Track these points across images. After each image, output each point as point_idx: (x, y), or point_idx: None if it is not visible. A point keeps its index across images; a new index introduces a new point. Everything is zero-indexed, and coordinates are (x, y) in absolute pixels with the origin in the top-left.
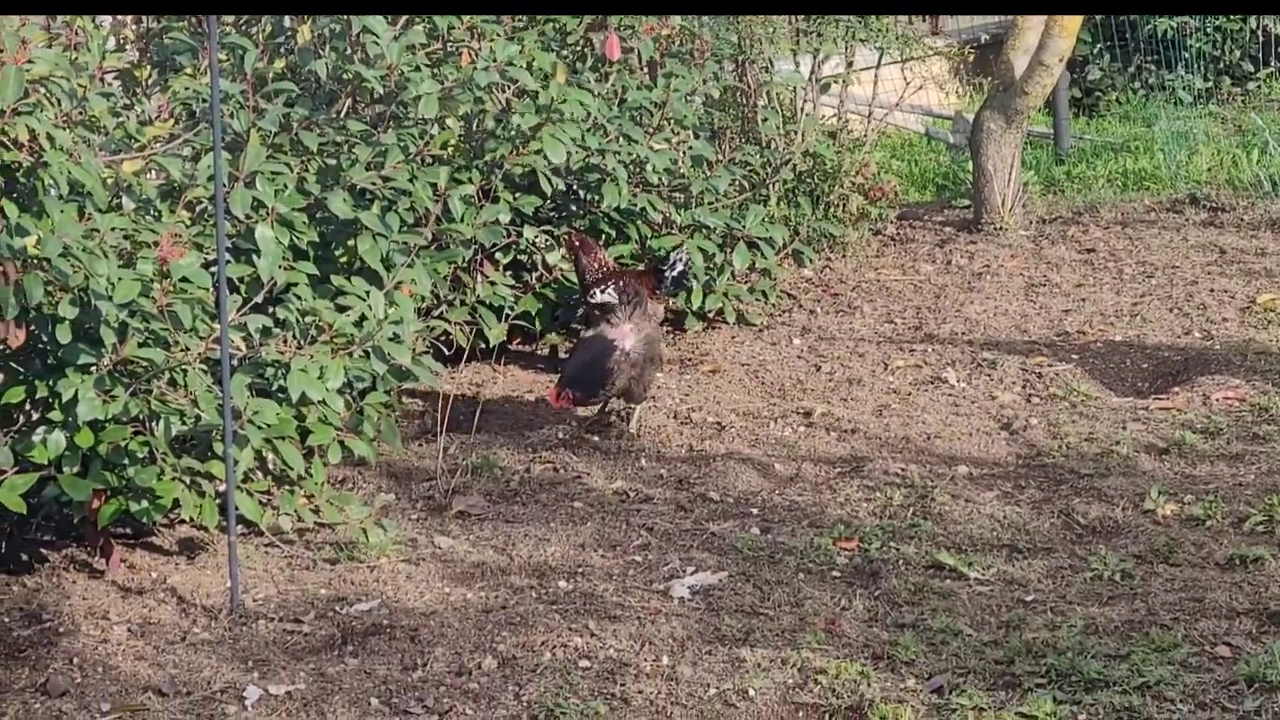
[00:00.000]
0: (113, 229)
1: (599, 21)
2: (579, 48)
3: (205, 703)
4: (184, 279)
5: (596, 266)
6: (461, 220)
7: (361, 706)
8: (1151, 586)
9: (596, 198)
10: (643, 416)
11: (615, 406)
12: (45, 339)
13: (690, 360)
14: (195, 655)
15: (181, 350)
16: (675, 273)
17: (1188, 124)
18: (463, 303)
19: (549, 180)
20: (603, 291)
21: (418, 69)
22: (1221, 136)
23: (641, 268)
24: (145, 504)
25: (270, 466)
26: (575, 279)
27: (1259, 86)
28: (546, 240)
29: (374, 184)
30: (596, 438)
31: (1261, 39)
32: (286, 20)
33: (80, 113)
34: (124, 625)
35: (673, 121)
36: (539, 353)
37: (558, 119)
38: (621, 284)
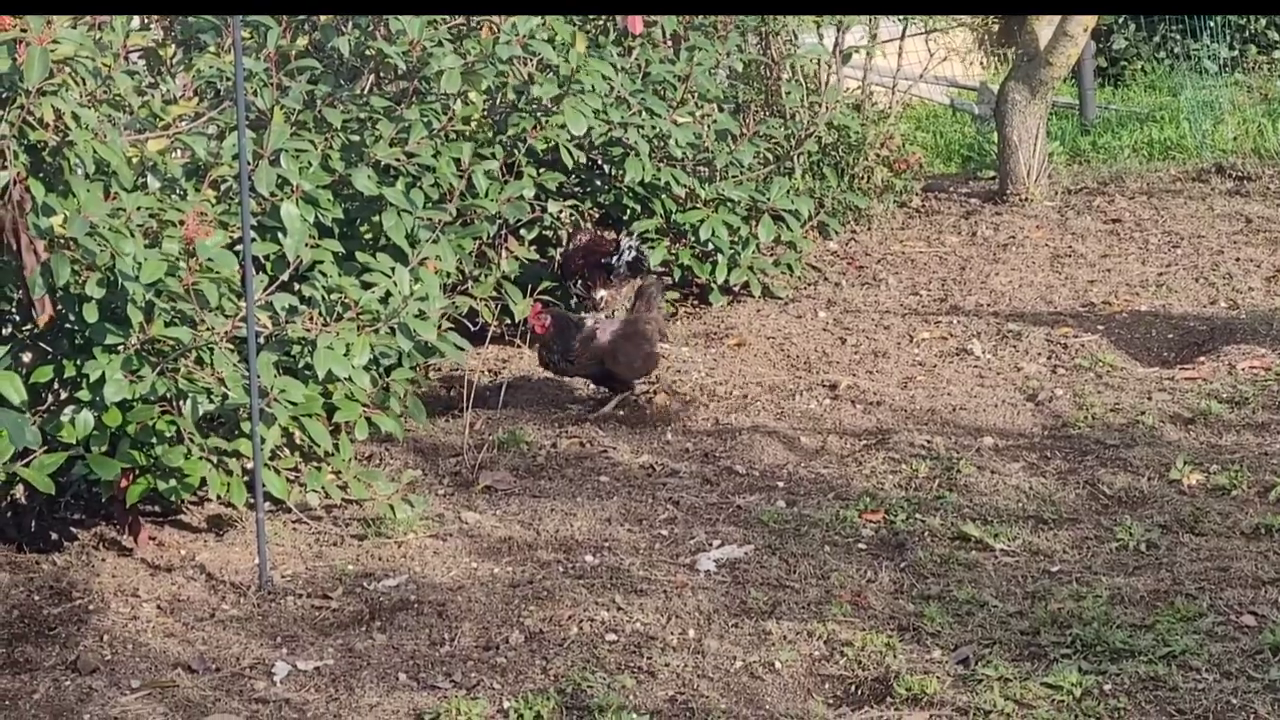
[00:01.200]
0: (139, 208)
1: None
2: (602, 21)
3: (234, 679)
4: (210, 258)
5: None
6: (485, 195)
7: (390, 681)
8: (1177, 556)
9: (619, 172)
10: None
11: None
12: (72, 319)
13: (715, 334)
14: (224, 632)
15: (208, 329)
16: (629, 259)
17: (1213, 93)
18: (489, 276)
19: (570, 154)
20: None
21: (440, 44)
22: (1247, 105)
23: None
24: (173, 483)
25: (298, 443)
26: None
27: None
28: (571, 215)
29: (398, 160)
30: (622, 411)
31: None
32: None
33: (105, 92)
34: (153, 602)
35: (696, 95)
36: None
37: (578, 90)
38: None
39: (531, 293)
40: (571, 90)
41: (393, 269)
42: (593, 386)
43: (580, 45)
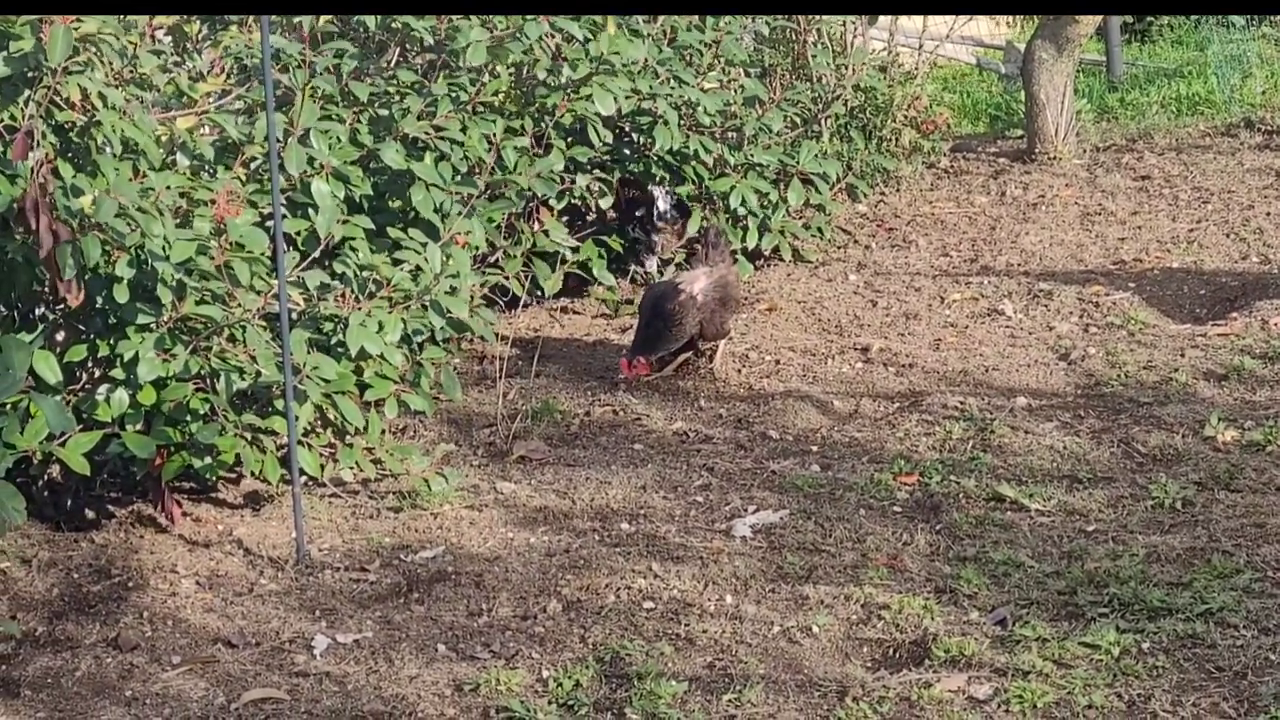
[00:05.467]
0: (168, 187)
1: None
2: None
3: (274, 653)
4: (241, 235)
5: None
6: (515, 169)
7: (429, 653)
8: (1213, 513)
9: (648, 140)
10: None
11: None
12: (103, 299)
13: (746, 299)
14: (263, 606)
15: (240, 307)
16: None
17: (1241, 47)
18: (517, 248)
19: (598, 133)
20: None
21: (466, 17)
22: (1275, 59)
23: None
24: (208, 460)
25: (331, 420)
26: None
27: None
28: (599, 187)
29: (426, 134)
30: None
31: None
32: None
33: (131, 71)
34: (192, 578)
35: (724, 61)
36: (597, 296)
37: (608, 70)
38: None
39: (561, 263)
40: (601, 69)
41: (424, 245)
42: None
43: (610, 26)
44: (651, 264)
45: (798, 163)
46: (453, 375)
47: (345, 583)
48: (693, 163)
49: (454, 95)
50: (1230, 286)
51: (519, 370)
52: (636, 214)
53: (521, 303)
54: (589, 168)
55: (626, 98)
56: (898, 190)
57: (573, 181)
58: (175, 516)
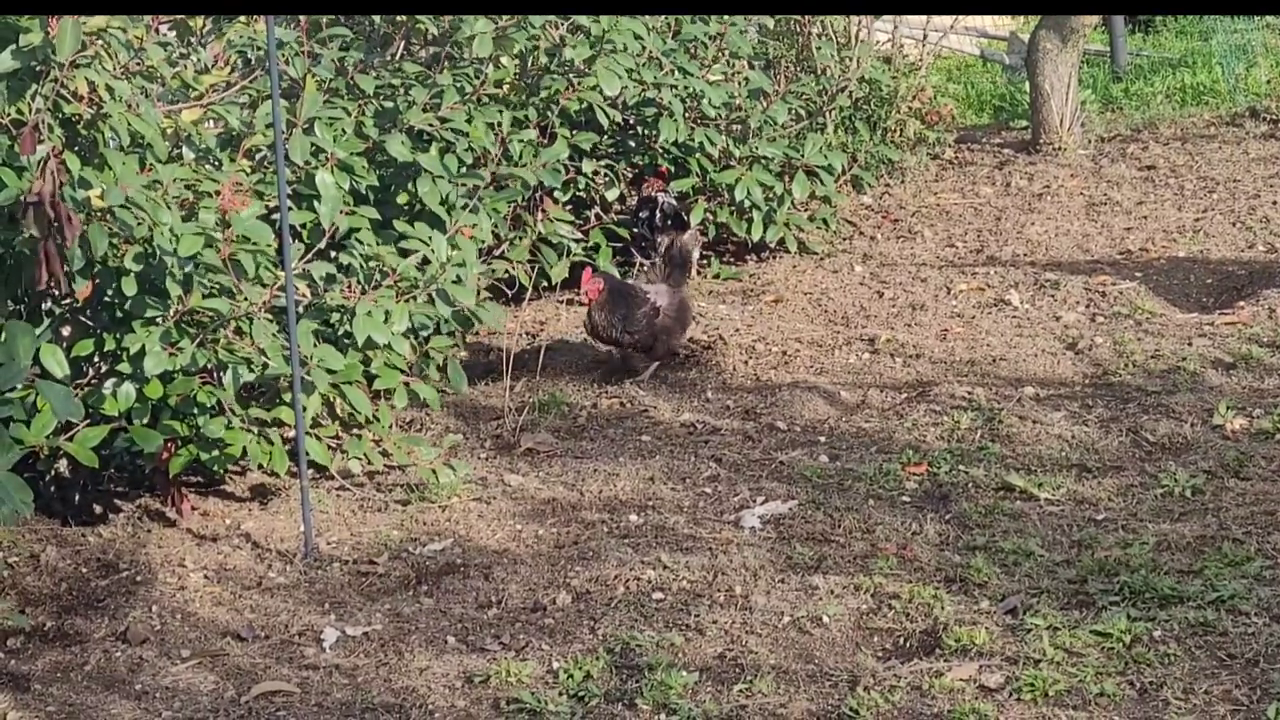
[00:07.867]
0: (174, 179)
1: None
2: None
3: (284, 645)
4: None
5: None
6: (520, 158)
7: (438, 645)
8: (1222, 501)
9: (653, 133)
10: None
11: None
12: (111, 292)
13: (753, 291)
14: (272, 599)
15: (245, 300)
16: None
17: (1245, 36)
18: (523, 239)
19: (605, 114)
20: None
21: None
22: None
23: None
24: (215, 453)
25: (338, 413)
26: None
27: None
28: (605, 177)
29: (431, 125)
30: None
31: None
32: None
33: (138, 63)
34: (200, 572)
35: (728, 53)
36: None
37: (610, 50)
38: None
39: (567, 253)
40: (604, 50)
41: (430, 236)
42: (613, 350)
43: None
44: (656, 261)
45: (803, 155)
46: (459, 367)
47: (354, 575)
48: (697, 155)
49: (459, 86)
50: (1237, 275)
51: (526, 362)
52: (641, 214)
53: (528, 295)
54: (594, 156)
55: (634, 83)
56: (903, 182)
57: (578, 170)
58: (183, 510)
